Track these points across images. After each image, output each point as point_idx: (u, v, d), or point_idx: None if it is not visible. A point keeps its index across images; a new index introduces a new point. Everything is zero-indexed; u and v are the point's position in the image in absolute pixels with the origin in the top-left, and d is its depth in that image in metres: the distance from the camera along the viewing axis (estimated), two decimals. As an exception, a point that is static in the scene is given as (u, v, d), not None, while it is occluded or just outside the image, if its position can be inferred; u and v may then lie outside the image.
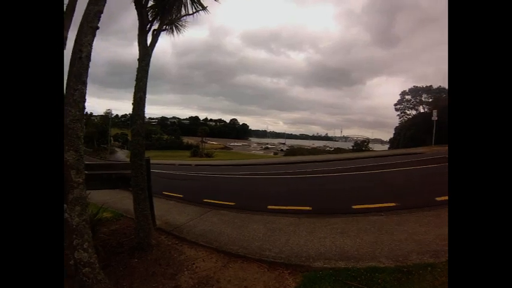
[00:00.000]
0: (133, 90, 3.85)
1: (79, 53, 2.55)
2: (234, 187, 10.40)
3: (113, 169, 5.07)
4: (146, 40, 3.96)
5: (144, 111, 3.91)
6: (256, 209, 5.90)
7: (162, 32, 4.28)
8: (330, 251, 3.61)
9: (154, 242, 4.01)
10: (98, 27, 2.69)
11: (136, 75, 3.85)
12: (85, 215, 2.51)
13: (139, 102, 3.83)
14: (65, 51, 2.77)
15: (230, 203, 6.58)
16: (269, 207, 6.00)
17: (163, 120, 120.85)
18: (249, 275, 3.20)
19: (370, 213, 4.97)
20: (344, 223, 4.59)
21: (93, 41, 2.65)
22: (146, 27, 3.98)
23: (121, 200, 6.85)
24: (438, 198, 5.46)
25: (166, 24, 4.41)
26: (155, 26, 4.13)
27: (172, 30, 4.73)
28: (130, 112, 4.02)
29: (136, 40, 3.94)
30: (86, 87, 2.60)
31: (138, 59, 3.88)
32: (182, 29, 4.86)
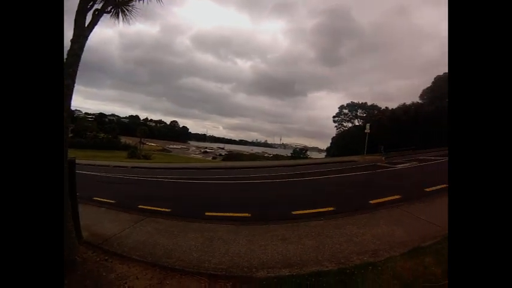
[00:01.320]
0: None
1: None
2: (170, 192, 9.91)
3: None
4: (85, 19, 3.36)
5: (70, 103, 3.25)
6: (193, 216, 5.63)
7: (106, 16, 3.71)
8: (273, 259, 3.56)
9: (79, 259, 3.45)
10: None
11: (67, 59, 3.18)
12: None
13: (65, 92, 3.11)
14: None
15: (166, 210, 6.19)
16: (207, 213, 5.77)
17: (101, 116, 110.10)
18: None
19: (310, 219, 5.09)
20: (284, 229, 4.62)
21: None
22: (88, 5, 3.39)
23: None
24: (372, 201, 5.90)
25: (112, 6, 3.82)
26: (98, 5, 3.55)
27: (118, 15, 4.11)
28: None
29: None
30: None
31: (71, 40, 3.24)
32: (130, 15, 4.23)
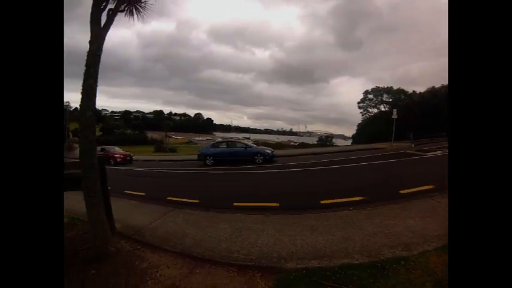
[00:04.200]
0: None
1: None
2: (198, 183, 10.08)
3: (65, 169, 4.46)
4: (100, 20, 3.45)
5: (95, 102, 3.39)
6: (221, 207, 5.68)
7: (124, 18, 3.83)
8: (302, 250, 3.49)
9: (113, 249, 3.59)
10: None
11: (87, 60, 3.32)
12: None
13: (89, 91, 3.30)
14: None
15: (194, 201, 6.32)
16: (235, 204, 5.80)
17: (126, 114, 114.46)
18: (218, 281, 2.96)
19: (339, 208, 4.96)
20: (313, 219, 4.52)
21: None
22: (101, 5, 3.46)
23: (78, 203, 6.17)
24: (403, 191, 5.64)
25: (125, 5, 3.87)
26: (112, 5, 3.61)
27: (132, 13, 4.13)
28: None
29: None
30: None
31: (89, 41, 3.36)
32: (144, 13, 4.25)
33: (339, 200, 5.44)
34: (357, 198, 5.44)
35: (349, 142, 57.50)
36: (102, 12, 3.50)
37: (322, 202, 5.44)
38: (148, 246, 3.86)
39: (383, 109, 45.47)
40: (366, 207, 4.93)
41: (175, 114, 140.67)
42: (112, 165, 16.80)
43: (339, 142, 59.79)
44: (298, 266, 3.12)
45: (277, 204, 5.60)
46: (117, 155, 19.63)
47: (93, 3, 3.41)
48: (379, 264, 2.96)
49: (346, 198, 5.51)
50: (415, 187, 5.89)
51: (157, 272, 3.18)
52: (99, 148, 17.47)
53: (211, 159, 14.94)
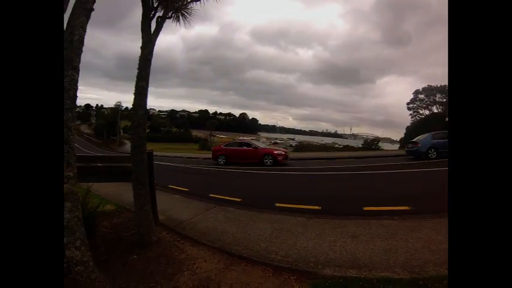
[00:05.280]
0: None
1: (70, 36, 2.36)
2: (241, 182, 10.26)
3: (114, 162, 4.89)
4: (150, 27, 3.78)
5: (146, 102, 3.71)
6: (263, 207, 5.71)
7: (170, 24, 4.15)
8: (341, 257, 3.35)
9: (155, 238, 3.84)
10: (92, 9, 2.49)
11: (139, 63, 3.66)
12: (77, 211, 2.32)
13: (141, 92, 3.62)
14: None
15: (236, 199, 6.43)
16: (277, 204, 5.80)
17: (172, 113, 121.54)
18: (252, 280, 2.99)
19: (383, 217, 4.68)
20: (355, 226, 4.33)
21: (86, 23, 2.45)
22: (150, 14, 3.78)
23: (125, 193, 6.72)
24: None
25: (172, 12, 4.19)
26: (160, 13, 3.93)
27: (179, 19, 4.49)
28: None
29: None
30: (78, 73, 2.41)
31: (141, 47, 3.70)
32: (189, 17, 4.60)
33: (382, 208, 5.14)
34: (402, 208, 5.08)
35: (396, 146, 54.00)
36: (151, 20, 3.81)
37: (365, 209, 5.19)
38: (188, 239, 4.04)
39: (435, 110, 41.89)
40: (411, 218, 4.57)
41: (221, 113, 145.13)
42: (267, 166, 14.17)
43: (386, 146, 56.42)
44: (335, 273, 3.00)
45: (319, 207, 5.48)
46: (277, 153, 15.24)
47: (143, 13, 3.74)
48: (421, 282, 2.71)
49: (391, 206, 5.19)
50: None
51: (194, 264, 3.31)
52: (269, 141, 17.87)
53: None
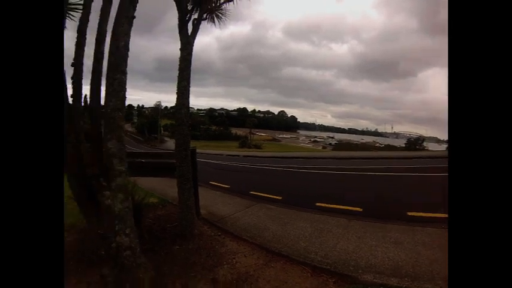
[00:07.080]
0: (180, 83, 3.90)
1: (116, 43, 2.56)
2: (281, 180, 10.23)
3: (160, 158, 5.19)
4: (187, 30, 3.96)
5: (188, 101, 3.90)
6: (303, 206, 5.65)
7: (204, 25, 4.28)
8: (382, 264, 3.16)
9: (196, 231, 4.01)
10: (134, 17, 2.67)
11: (179, 65, 3.85)
12: (127, 202, 2.52)
13: (183, 91, 3.80)
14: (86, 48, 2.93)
15: (277, 197, 6.44)
16: (317, 204, 5.69)
17: (211, 111, 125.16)
18: (290, 278, 2.96)
19: (427, 223, 4.33)
20: (398, 231, 4.05)
21: (129, 30, 2.64)
22: (186, 17, 3.97)
23: (169, 187, 7.10)
24: None
25: (206, 13, 4.36)
26: (195, 15, 4.13)
27: (213, 20, 4.68)
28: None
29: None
30: (125, 76, 2.60)
31: (180, 49, 3.89)
32: (223, 18, 4.77)
33: (427, 215, 4.76)
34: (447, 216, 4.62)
35: (444, 147, 49.45)
36: (188, 23, 3.99)
37: (409, 214, 4.85)
38: (229, 234, 4.14)
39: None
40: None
41: (259, 111, 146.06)
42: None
43: (432, 146, 51.95)
44: (376, 280, 2.84)
45: (360, 210, 5.27)
46: None
47: (179, 17, 3.93)
48: None
49: (436, 213, 4.75)
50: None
51: (234, 258, 3.39)
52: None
53: None
